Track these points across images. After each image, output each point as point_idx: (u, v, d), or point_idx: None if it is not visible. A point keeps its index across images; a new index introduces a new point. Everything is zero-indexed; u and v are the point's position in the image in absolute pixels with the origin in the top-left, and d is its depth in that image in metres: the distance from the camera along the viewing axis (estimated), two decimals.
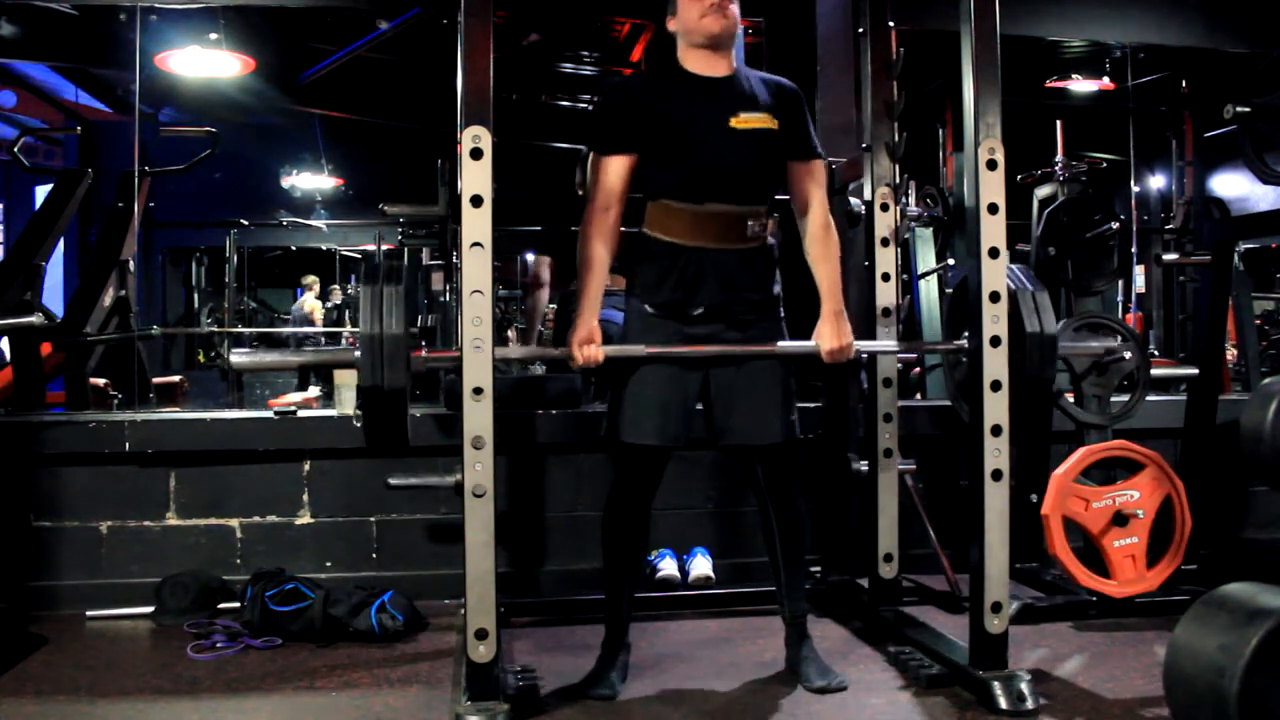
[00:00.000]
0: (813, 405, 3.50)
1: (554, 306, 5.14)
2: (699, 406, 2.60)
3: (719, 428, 2.58)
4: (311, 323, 9.80)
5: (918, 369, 4.89)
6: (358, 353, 2.29)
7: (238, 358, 2.43)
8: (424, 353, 2.42)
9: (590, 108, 10.25)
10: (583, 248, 2.50)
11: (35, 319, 3.70)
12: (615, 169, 2.50)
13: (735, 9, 2.51)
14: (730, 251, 2.51)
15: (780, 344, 2.56)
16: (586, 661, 2.64)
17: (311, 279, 10.28)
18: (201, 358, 10.35)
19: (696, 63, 2.53)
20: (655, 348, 2.50)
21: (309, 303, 10.15)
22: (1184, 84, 7.00)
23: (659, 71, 2.64)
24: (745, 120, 2.50)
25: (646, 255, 2.54)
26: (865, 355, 2.68)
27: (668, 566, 3.45)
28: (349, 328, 10.06)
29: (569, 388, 3.59)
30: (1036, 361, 2.59)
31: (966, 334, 2.60)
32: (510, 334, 8.71)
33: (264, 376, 9.71)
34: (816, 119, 3.92)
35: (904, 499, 3.20)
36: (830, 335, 2.54)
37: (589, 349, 2.45)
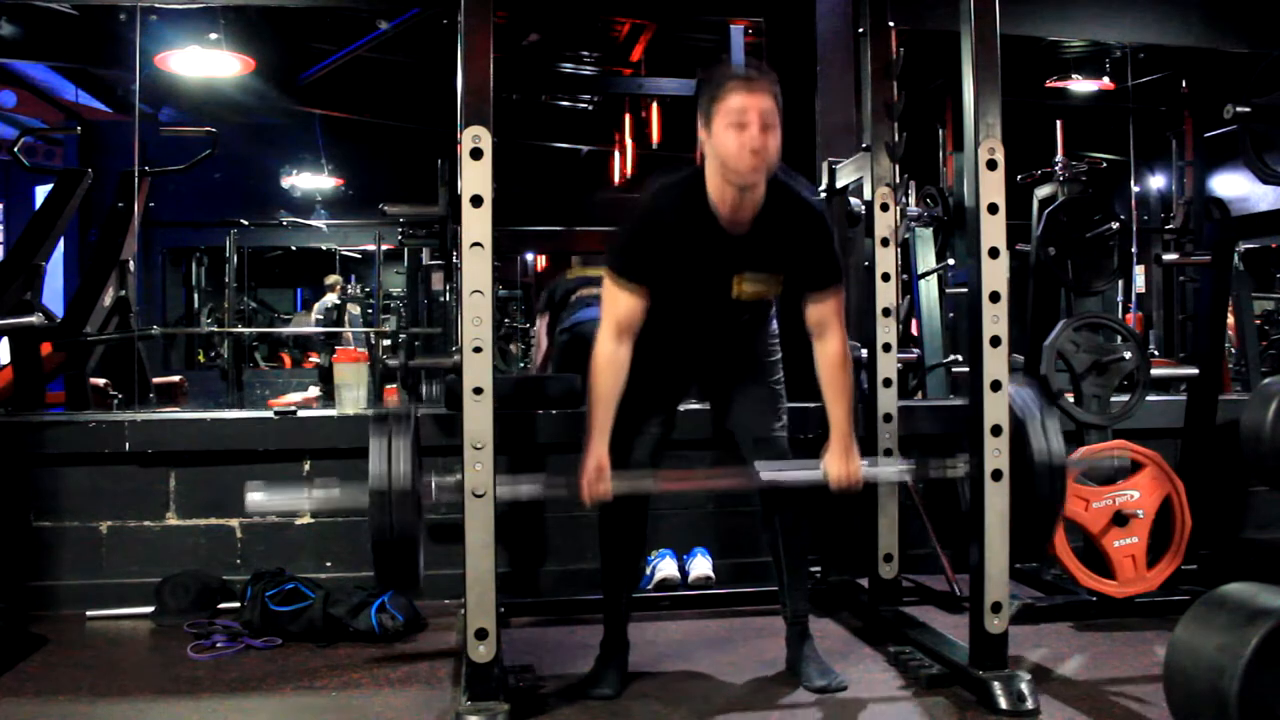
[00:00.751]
0: (813, 405, 3.49)
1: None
2: (699, 406, 2.62)
3: (718, 423, 2.64)
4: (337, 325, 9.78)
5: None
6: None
7: (253, 495, 2.45)
8: (433, 484, 2.39)
9: (590, 107, 10.27)
10: (593, 379, 2.44)
11: (35, 319, 3.71)
12: (630, 302, 2.43)
13: (777, 140, 2.33)
14: (723, 350, 2.66)
15: (786, 472, 2.57)
16: (586, 661, 2.64)
17: (335, 279, 10.26)
18: (201, 358, 10.35)
19: (721, 198, 2.39)
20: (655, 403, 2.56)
21: (331, 302, 10.11)
22: (1184, 84, 7.01)
23: (685, 196, 2.42)
24: (748, 285, 2.48)
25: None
26: (868, 476, 2.66)
27: (668, 566, 3.45)
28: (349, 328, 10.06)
29: (569, 388, 3.58)
30: (1046, 484, 2.54)
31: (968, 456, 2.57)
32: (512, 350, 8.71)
33: (264, 376, 9.73)
34: (816, 119, 3.94)
35: (904, 499, 3.20)
36: (839, 466, 2.53)
37: (598, 485, 2.42)
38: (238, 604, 3.18)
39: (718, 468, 2.61)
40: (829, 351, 2.53)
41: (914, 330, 4.95)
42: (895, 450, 3.11)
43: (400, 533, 2.29)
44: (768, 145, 2.31)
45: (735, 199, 2.38)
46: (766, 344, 2.68)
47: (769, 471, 2.52)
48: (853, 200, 3.29)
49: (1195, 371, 3.61)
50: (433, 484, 2.38)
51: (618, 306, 2.44)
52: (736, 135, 2.29)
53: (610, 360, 2.43)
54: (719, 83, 2.34)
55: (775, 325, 2.71)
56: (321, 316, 10.06)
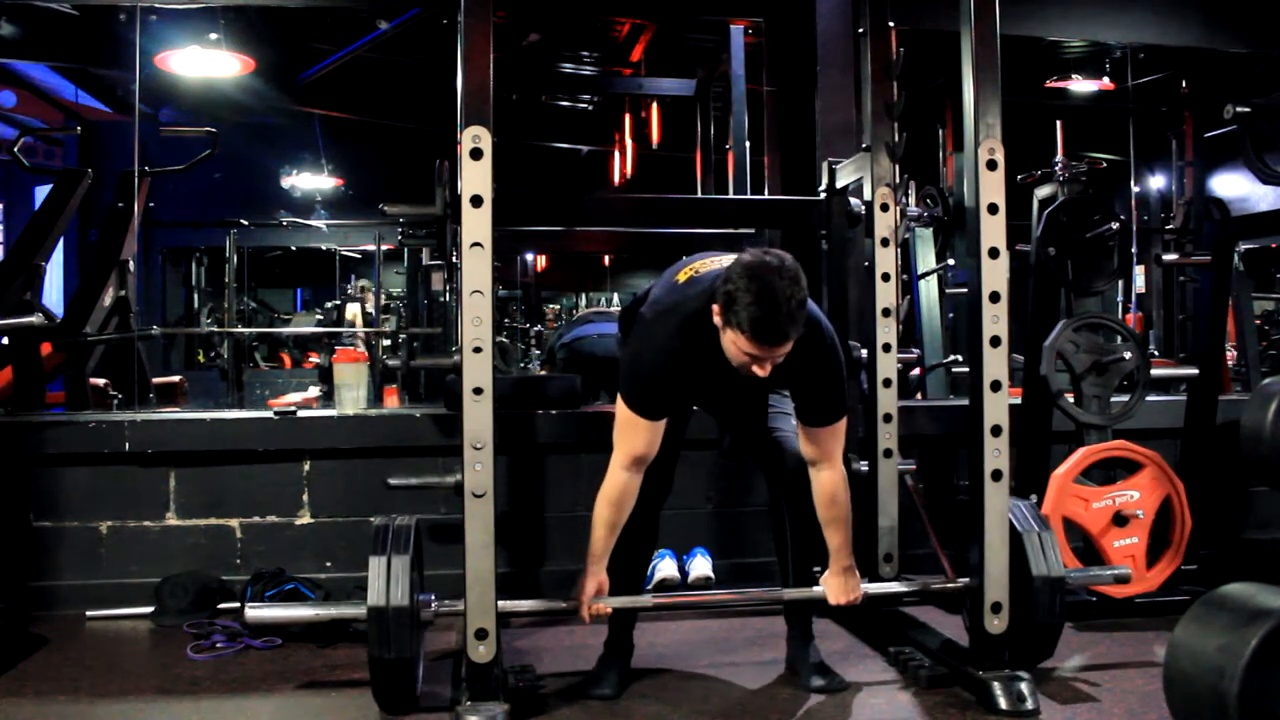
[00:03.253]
0: None
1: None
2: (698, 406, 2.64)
3: (735, 426, 2.71)
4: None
5: (918, 369, 4.89)
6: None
7: (253, 612, 2.48)
8: (434, 607, 2.42)
9: (590, 107, 10.26)
10: (600, 506, 2.43)
11: (35, 319, 3.70)
12: (647, 436, 2.39)
13: (784, 355, 2.28)
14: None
15: (787, 595, 2.66)
16: (586, 661, 2.64)
17: (364, 283, 10.24)
18: (201, 358, 10.34)
19: (734, 361, 2.35)
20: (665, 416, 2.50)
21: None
22: (1184, 84, 7.01)
23: (701, 338, 2.36)
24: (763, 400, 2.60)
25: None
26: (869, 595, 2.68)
27: (668, 567, 3.45)
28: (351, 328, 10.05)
29: (569, 388, 3.59)
30: (1046, 604, 2.54)
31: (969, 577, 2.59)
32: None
33: (264, 376, 9.73)
34: (816, 119, 3.93)
35: (904, 499, 3.20)
36: (839, 590, 2.57)
37: (597, 605, 2.47)
38: (237, 604, 3.17)
39: (709, 594, 2.75)
40: (825, 483, 2.52)
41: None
42: (895, 451, 3.11)
43: (398, 654, 2.31)
44: (777, 364, 2.29)
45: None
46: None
47: (771, 596, 2.68)
48: (853, 200, 3.28)
49: (1195, 371, 3.61)
50: (433, 606, 2.41)
51: (637, 441, 2.39)
52: (747, 365, 2.29)
53: (621, 492, 2.42)
54: (747, 321, 2.21)
55: None
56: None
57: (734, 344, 2.26)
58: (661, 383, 2.40)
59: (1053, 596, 2.53)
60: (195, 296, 10.96)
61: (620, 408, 2.41)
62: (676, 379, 2.40)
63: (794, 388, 2.50)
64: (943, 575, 3.38)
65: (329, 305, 11.00)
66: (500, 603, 2.38)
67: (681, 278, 2.49)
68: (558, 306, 13.68)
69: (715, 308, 2.28)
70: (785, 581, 2.68)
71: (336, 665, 2.80)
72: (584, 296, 13.71)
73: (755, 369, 2.27)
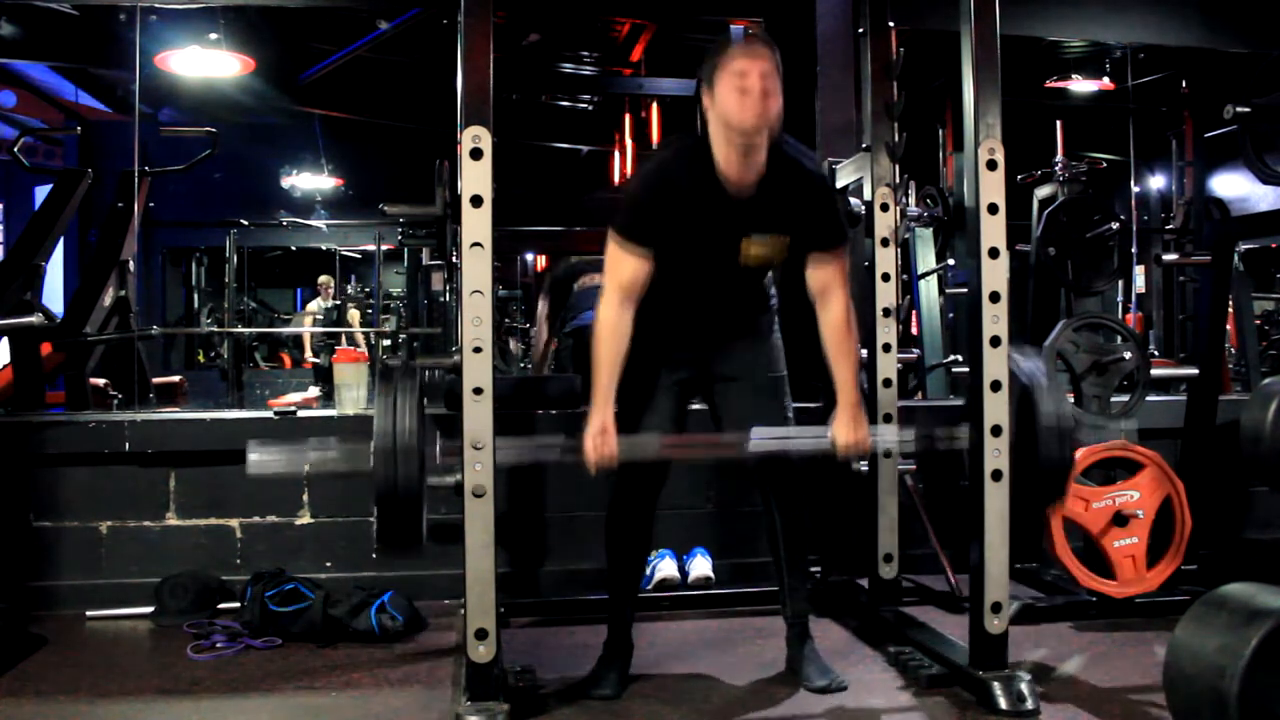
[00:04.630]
0: (813, 405, 3.49)
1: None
2: (699, 407, 2.62)
3: (724, 428, 2.62)
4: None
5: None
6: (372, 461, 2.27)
7: (254, 455, 2.41)
8: (439, 449, 2.38)
9: (590, 107, 10.26)
10: (598, 343, 2.44)
11: (35, 319, 3.71)
12: (634, 265, 2.43)
13: (778, 99, 2.36)
14: (727, 319, 2.62)
15: (793, 440, 2.54)
16: (586, 661, 2.64)
17: (324, 280, 10.23)
18: (201, 358, 10.35)
19: (726, 158, 2.40)
20: (663, 404, 2.56)
21: (318, 306, 10.11)
22: (1184, 84, 7.01)
23: (690, 160, 2.44)
24: (756, 248, 2.47)
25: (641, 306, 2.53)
26: (874, 442, 2.63)
27: (668, 567, 3.45)
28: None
29: (569, 388, 3.58)
30: (1055, 446, 2.52)
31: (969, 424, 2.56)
32: (510, 339, 8.70)
33: (264, 376, 9.73)
34: (816, 119, 3.94)
35: (904, 499, 3.20)
36: (847, 430, 2.51)
37: (603, 446, 2.39)
38: (238, 604, 3.18)
39: (720, 435, 2.58)
40: (833, 315, 2.53)
41: (914, 329, 4.94)
42: (895, 451, 3.11)
43: (405, 489, 2.26)
44: (768, 105, 2.34)
45: (740, 161, 2.40)
46: (773, 354, 2.67)
47: (775, 440, 2.50)
48: (853, 200, 3.28)
49: (1195, 371, 3.61)
50: (437, 445, 2.37)
51: (622, 271, 2.44)
52: (738, 96, 2.33)
53: (614, 325, 2.43)
54: (721, 49, 2.38)
55: (780, 338, 2.70)
56: (320, 316, 10.03)
57: (723, 91, 2.34)
58: (645, 204, 2.45)
59: (1061, 439, 2.51)
60: (195, 296, 10.97)
61: (609, 245, 2.46)
62: (662, 200, 2.43)
63: (796, 219, 2.48)
64: (943, 575, 3.40)
65: (329, 305, 11.01)
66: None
67: None
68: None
69: (702, 93, 2.40)
70: (780, 582, 2.68)
71: (336, 665, 2.80)
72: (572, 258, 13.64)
73: (748, 97, 2.31)
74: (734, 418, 2.60)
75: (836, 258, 2.52)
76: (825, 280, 2.52)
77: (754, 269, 2.55)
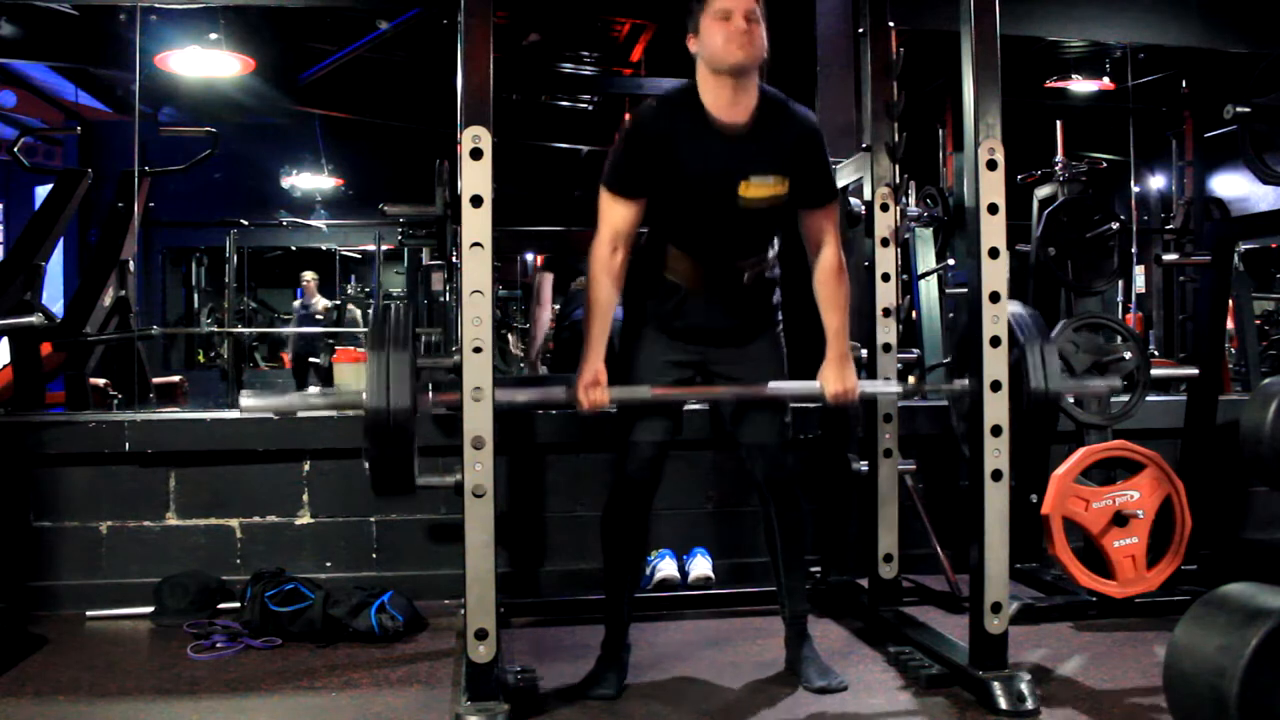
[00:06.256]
0: (813, 405, 3.49)
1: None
2: (699, 407, 2.62)
3: (730, 419, 2.64)
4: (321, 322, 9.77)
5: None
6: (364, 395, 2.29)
7: (247, 400, 2.43)
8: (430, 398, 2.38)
9: (590, 107, 10.27)
10: (590, 289, 2.47)
11: (35, 319, 3.70)
12: (625, 212, 2.45)
13: (762, 35, 2.38)
14: (730, 289, 2.57)
15: (784, 385, 2.58)
16: (586, 661, 2.64)
17: (308, 276, 10.20)
18: (201, 358, 10.35)
19: (716, 98, 2.41)
20: (659, 386, 2.53)
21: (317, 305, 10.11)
22: (1184, 84, 7.01)
23: (679, 106, 2.46)
24: (755, 189, 2.45)
25: (642, 278, 2.56)
26: (866, 396, 2.68)
27: (668, 566, 3.45)
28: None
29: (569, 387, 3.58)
30: (1040, 416, 2.58)
31: (969, 376, 2.57)
32: (511, 339, 8.71)
33: (264, 376, 9.73)
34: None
35: (904, 499, 3.20)
36: (835, 379, 2.54)
37: (595, 392, 2.43)
38: (238, 604, 3.18)
39: (716, 387, 2.60)
40: (826, 261, 2.56)
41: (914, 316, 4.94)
42: (895, 450, 3.11)
43: (397, 432, 2.27)
44: (754, 35, 2.36)
45: (729, 96, 2.41)
46: (773, 323, 2.66)
47: (766, 389, 2.54)
48: (853, 200, 3.28)
49: (1195, 371, 3.61)
50: (430, 394, 2.39)
51: (613, 216, 2.46)
52: (723, 27, 2.35)
53: (606, 267, 2.45)
54: None
55: (782, 337, 2.70)
56: (321, 315, 10.01)
57: (709, 20, 2.36)
58: (634, 154, 2.45)
59: (1048, 409, 2.59)
60: (195, 296, 10.97)
61: (601, 193, 2.48)
62: (651, 151, 2.44)
63: (792, 172, 2.48)
64: (943, 575, 3.40)
65: (329, 305, 11.01)
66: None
67: None
68: (558, 306, 13.66)
69: (688, 37, 2.42)
70: (779, 582, 2.68)
71: (336, 665, 2.81)
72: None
73: (734, 30, 2.32)
74: (734, 413, 2.62)
75: (829, 208, 2.56)
76: (818, 228, 2.56)
77: (755, 217, 2.51)
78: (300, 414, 3.52)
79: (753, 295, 2.61)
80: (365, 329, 9.57)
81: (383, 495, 2.36)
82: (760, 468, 2.61)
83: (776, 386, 2.56)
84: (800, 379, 2.62)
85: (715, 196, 2.46)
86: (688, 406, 2.74)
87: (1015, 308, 2.66)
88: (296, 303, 10.34)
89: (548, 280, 4.69)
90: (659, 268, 2.55)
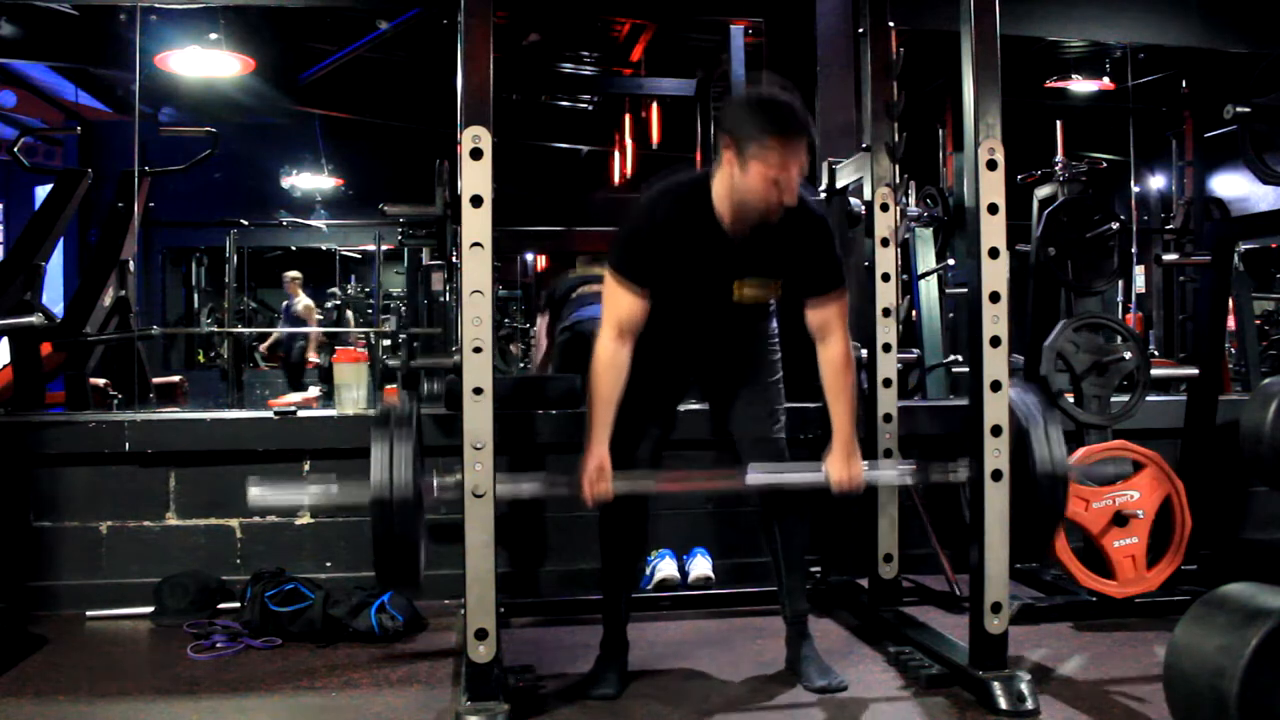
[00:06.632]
0: (813, 405, 3.49)
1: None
2: (699, 406, 2.63)
3: (717, 423, 2.65)
4: (302, 321, 9.74)
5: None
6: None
7: (254, 490, 2.43)
8: (435, 486, 2.39)
9: (590, 107, 10.27)
10: (595, 378, 2.43)
11: (35, 319, 3.70)
12: (633, 302, 2.42)
13: (798, 183, 2.33)
14: (722, 350, 2.64)
15: (787, 475, 2.57)
16: (586, 661, 2.64)
17: (291, 275, 10.14)
18: (201, 358, 10.35)
19: (729, 212, 2.40)
20: (650, 385, 2.53)
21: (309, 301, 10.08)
22: (1184, 84, 7.02)
23: (689, 202, 2.42)
24: (748, 290, 2.49)
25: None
26: (870, 479, 2.61)
27: (667, 566, 3.45)
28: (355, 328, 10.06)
29: (569, 388, 3.58)
30: (1049, 495, 2.53)
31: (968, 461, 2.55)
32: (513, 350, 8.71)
33: (264, 376, 9.72)
34: (816, 119, 3.93)
35: (904, 499, 3.20)
36: (840, 468, 2.52)
37: (599, 485, 2.42)
38: (237, 604, 3.18)
39: (719, 469, 2.62)
40: (832, 354, 2.53)
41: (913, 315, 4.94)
42: (895, 450, 3.11)
43: (402, 534, 2.28)
44: (793, 186, 2.33)
45: (743, 217, 2.40)
46: (766, 344, 2.68)
47: (769, 474, 2.52)
48: (853, 200, 3.29)
49: (1195, 371, 3.61)
50: (434, 483, 2.38)
51: (620, 306, 2.44)
52: (771, 185, 2.30)
53: (611, 361, 2.43)
54: (763, 126, 2.29)
55: (775, 324, 2.71)
56: (297, 313, 9.95)
57: (757, 168, 2.28)
58: (645, 244, 2.43)
59: (1054, 485, 2.53)
60: (195, 296, 10.97)
61: (607, 279, 2.45)
62: (662, 243, 2.42)
63: (797, 263, 2.49)
64: (943, 575, 3.40)
65: (328, 305, 11.00)
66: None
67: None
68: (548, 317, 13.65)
69: (725, 144, 2.33)
70: (780, 582, 2.68)
71: (336, 665, 2.80)
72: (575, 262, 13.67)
73: (779, 189, 2.29)
74: (727, 416, 2.64)
75: (836, 299, 2.52)
76: (824, 321, 2.52)
77: (746, 309, 2.56)
78: (301, 414, 3.53)
79: (753, 332, 2.66)
80: (359, 330, 9.58)
81: (389, 587, 2.37)
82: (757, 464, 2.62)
83: (776, 473, 2.54)
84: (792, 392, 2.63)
85: (708, 293, 2.51)
86: (684, 406, 2.74)
87: (1016, 392, 2.60)
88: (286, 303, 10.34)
89: (543, 321, 4.74)
90: (648, 339, 2.52)
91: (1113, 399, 3.40)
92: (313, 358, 9.18)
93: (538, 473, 2.65)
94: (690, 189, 2.43)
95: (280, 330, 9.64)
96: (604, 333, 2.45)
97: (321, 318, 10.16)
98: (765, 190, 2.31)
